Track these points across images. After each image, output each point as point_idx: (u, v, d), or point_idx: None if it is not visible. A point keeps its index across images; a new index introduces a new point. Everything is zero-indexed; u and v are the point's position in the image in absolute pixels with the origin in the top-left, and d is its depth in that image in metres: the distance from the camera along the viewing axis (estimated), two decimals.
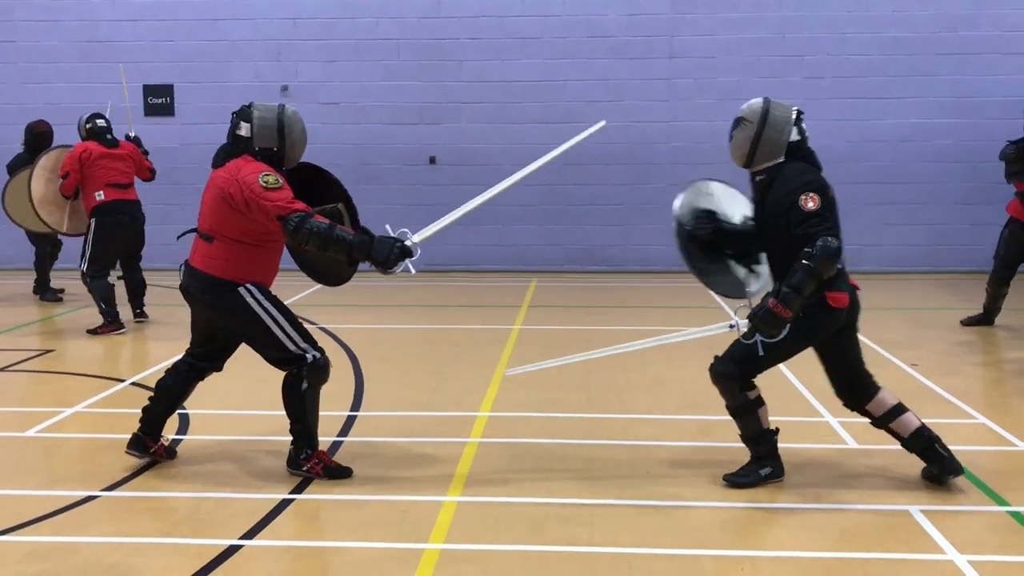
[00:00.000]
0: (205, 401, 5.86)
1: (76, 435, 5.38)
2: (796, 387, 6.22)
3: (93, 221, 8.10)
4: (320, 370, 4.53)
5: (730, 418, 4.54)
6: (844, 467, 4.75)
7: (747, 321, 4.14)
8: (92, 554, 3.75)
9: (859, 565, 3.67)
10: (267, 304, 4.47)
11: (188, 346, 4.80)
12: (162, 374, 4.82)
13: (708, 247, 4.51)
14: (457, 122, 12.39)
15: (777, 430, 4.51)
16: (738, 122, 4.39)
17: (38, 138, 9.26)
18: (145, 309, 8.68)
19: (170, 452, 4.87)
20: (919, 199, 12.11)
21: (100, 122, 8.30)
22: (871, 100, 12.04)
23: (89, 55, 12.34)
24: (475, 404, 5.87)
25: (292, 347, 4.48)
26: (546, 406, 5.78)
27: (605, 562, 3.68)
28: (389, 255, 4.23)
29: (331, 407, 5.77)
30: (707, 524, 4.08)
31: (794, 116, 4.39)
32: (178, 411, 5.63)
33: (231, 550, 3.76)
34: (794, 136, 4.35)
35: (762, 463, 4.46)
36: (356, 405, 5.91)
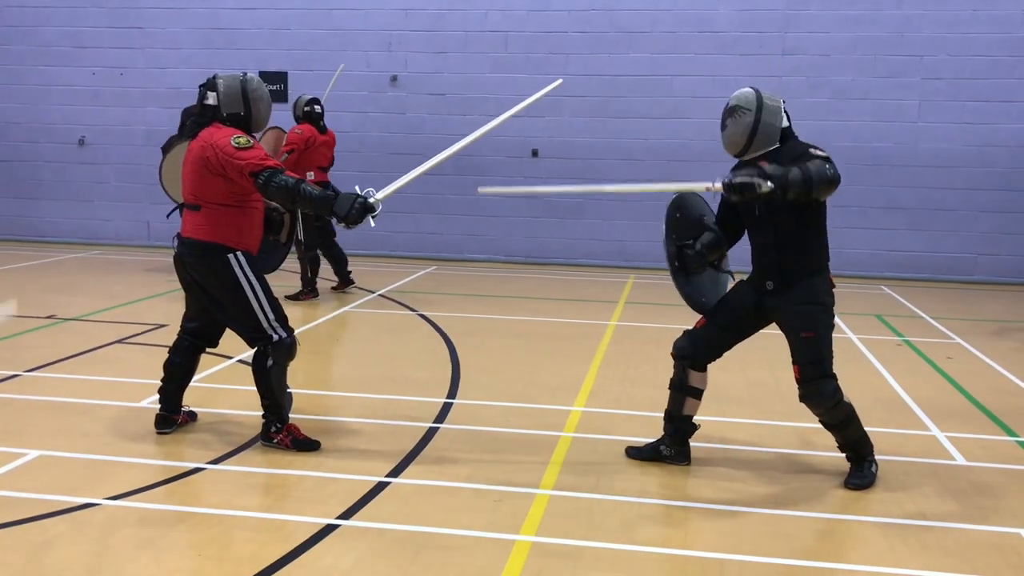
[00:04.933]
0: (311, 382, 6.04)
1: (187, 408, 5.57)
2: (904, 400, 6.04)
3: None
4: (285, 349, 4.76)
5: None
6: (950, 483, 4.59)
7: (722, 183, 4.02)
8: (197, 523, 3.91)
9: None
10: (251, 275, 4.70)
11: (182, 321, 5.10)
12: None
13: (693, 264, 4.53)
14: (560, 115, 12.39)
15: (697, 426, 4.68)
16: (732, 111, 4.29)
17: None
18: (351, 275, 9.40)
19: (192, 415, 5.27)
20: None
21: (317, 108, 9.18)
22: (994, 103, 11.56)
23: (210, 42, 12.80)
24: (570, 398, 5.88)
25: (264, 323, 4.70)
26: (643, 404, 5.74)
27: (697, 566, 3.65)
28: (350, 210, 4.41)
29: (428, 394, 5.89)
30: (802, 531, 4.00)
31: (782, 104, 4.37)
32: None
33: (328, 529, 3.87)
34: (784, 122, 4.35)
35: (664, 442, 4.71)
36: (452, 392, 5.98)
